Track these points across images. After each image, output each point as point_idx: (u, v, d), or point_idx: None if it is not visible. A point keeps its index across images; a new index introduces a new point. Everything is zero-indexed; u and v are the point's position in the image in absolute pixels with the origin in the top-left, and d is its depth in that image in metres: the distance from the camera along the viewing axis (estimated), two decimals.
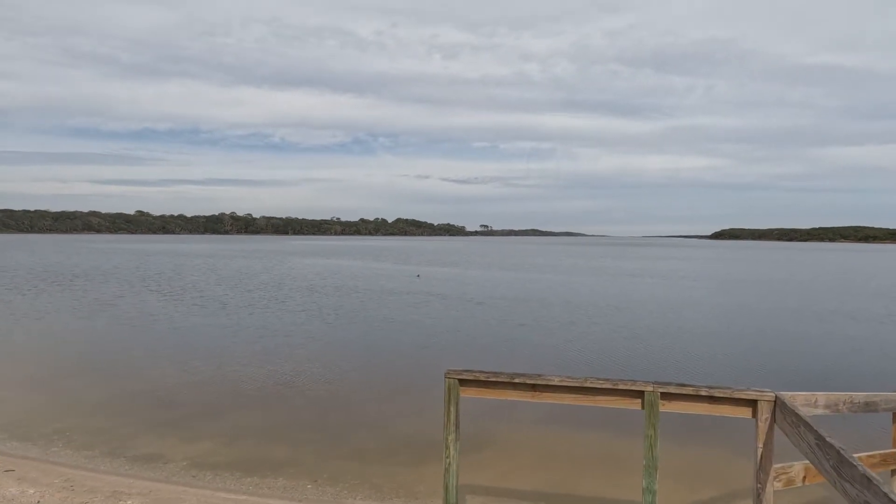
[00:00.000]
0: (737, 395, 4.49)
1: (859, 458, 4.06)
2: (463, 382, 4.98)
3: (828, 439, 3.29)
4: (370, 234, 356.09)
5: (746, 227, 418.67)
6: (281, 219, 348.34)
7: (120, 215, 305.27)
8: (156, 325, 18.88)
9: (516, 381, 4.88)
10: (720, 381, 11.92)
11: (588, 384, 4.76)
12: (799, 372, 13.34)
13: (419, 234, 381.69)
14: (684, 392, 4.59)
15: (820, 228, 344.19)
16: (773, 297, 29.85)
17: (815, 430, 3.47)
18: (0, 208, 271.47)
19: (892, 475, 5.39)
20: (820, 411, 4.50)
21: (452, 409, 4.97)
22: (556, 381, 4.80)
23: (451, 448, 4.97)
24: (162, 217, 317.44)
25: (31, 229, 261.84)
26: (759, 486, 4.35)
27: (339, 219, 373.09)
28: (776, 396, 4.36)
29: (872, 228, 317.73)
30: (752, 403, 4.45)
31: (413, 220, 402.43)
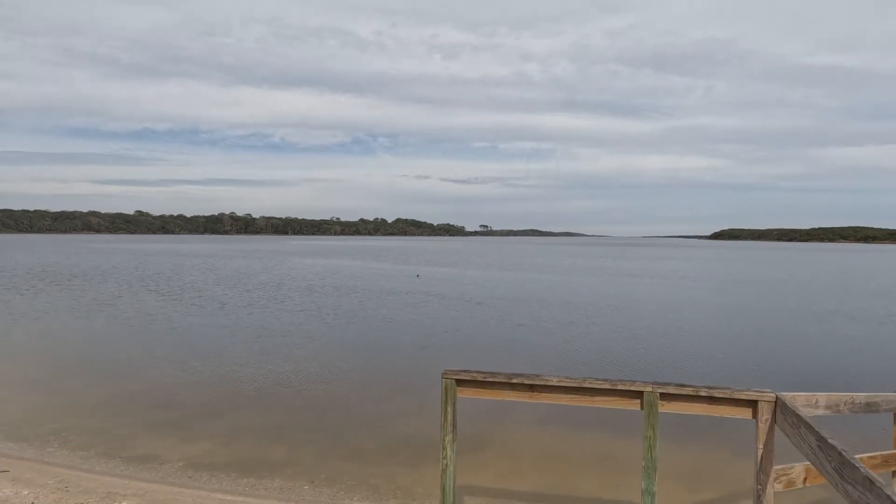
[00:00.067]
0: (737, 395, 4.44)
1: (860, 459, 4.02)
2: (460, 383, 4.94)
3: (829, 441, 3.25)
4: (370, 234, 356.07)
5: (746, 227, 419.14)
6: (280, 219, 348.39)
7: (119, 215, 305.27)
8: (154, 324, 18.83)
9: (514, 381, 4.83)
10: (720, 381, 11.87)
11: (586, 384, 4.71)
12: (799, 372, 13.30)
13: (419, 235, 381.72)
14: (684, 392, 4.54)
15: (819, 229, 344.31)
16: (773, 297, 29.81)
17: (817, 432, 3.43)
18: None
19: (894, 476, 5.36)
20: (821, 412, 4.46)
21: (449, 409, 4.93)
22: (554, 382, 4.75)
23: (449, 449, 4.92)
24: (161, 217, 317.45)
25: (31, 229, 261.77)
26: (759, 487, 4.31)
27: (338, 219, 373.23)
28: (776, 397, 4.31)
29: (872, 229, 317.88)
30: (753, 404, 4.40)
31: (413, 221, 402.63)
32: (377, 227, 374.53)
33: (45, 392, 11.09)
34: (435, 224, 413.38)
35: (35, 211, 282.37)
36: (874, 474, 2.80)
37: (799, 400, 4.32)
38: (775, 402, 4.31)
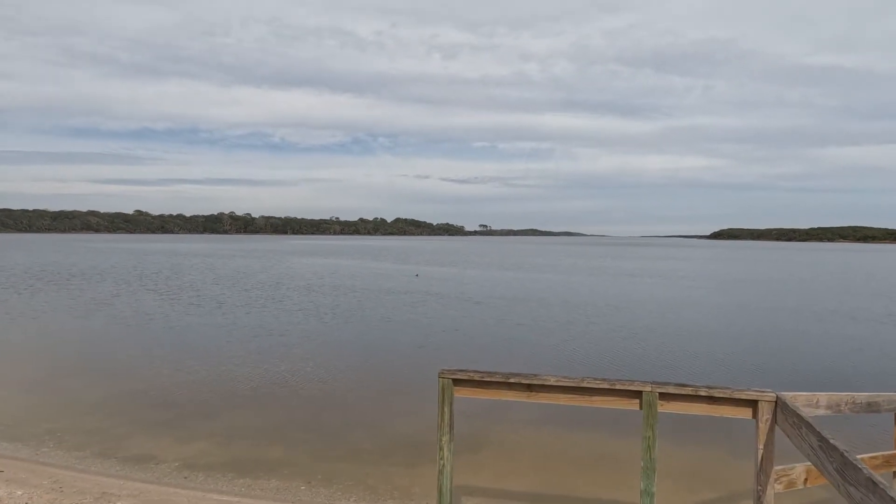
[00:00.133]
0: (737, 395, 4.39)
1: (861, 459, 3.97)
2: (457, 382, 4.88)
3: (831, 441, 3.20)
4: (369, 233, 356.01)
5: (745, 227, 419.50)
6: (280, 218, 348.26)
7: (119, 215, 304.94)
8: (151, 324, 18.77)
9: (511, 380, 4.78)
10: (719, 380, 11.83)
11: (585, 384, 4.65)
12: (798, 372, 13.25)
13: (418, 234, 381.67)
14: (683, 392, 4.49)
15: (819, 228, 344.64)
16: (773, 296, 29.77)
17: (818, 432, 3.38)
18: None
19: (895, 477, 5.31)
20: (821, 412, 4.41)
21: (446, 409, 4.87)
22: (552, 381, 4.70)
23: (446, 449, 4.86)
24: (161, 217, 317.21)
25: (30, 229, 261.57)
26: (759, 488, 4.26)
27: (338, 218, 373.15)
28: (777, 397, 4.26)
29: (871, 228, 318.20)
30: (753, 404, 4.35)
31: (412, 220, 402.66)
32: (377, 227, 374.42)
33: (41, 392, 11.03)
34: (434, 224, 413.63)
35: (34, 210, 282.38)
36: (877, 476, 2.75)
37: (800, 400, 4.27)
38: (776, 401, 4.26)
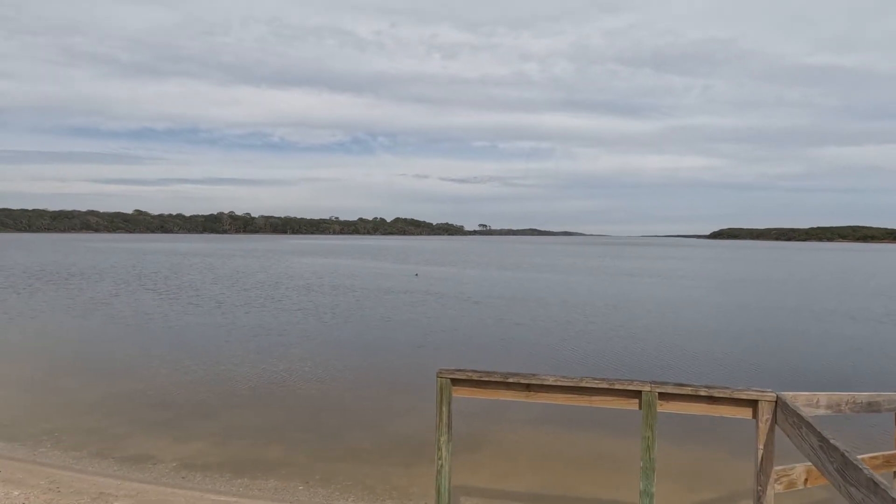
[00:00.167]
0: (737, 395, 4.36)
1: (861, 459, 3.94)
2: (455, 382, 4.85)
3: (832, 441, 3.17)
4: (369, 233, 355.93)
5: (745, 226, 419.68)
6: (279, 218, 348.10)
7: (118, 214, 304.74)
8: (150, 324, 18.74)
9: (510, 380, 4.75)
10: (719, 380, 11.82)
11: (584, 384, 4.63)
12: (798, 371, 13.23)
13: (418, 234, 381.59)
14: (683, 392, 4.46)
15: (818, 228, 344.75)
16: (772, 296, 29.76)
17: (819, 432, 3.35)
18: None
19: (895, 477, 5.29)
20: (822, 412, 4.38)
21: (445, 409, 4.84)
22: (550, 381, 4.67)
23: (444, 450, 4.84)
24: (160, 216, 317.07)
25: (30, 228, 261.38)
26: (759, 488, 4.23)
27: (337, 218, 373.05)
28: (777, 396, 4.23)
29: (870, 228, 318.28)
30: (753, 404, 4.32)
31: (412, 220, 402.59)
32: (376, 227, 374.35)
33: (39, 391, 11.00)
34: (434, 223, 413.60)
35: (34, 210, 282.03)
36: (879, 476, 2.73)
37: (800, 399, 4.24)
38: (776, 401, 4.23)
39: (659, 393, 4.45)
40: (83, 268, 45.03)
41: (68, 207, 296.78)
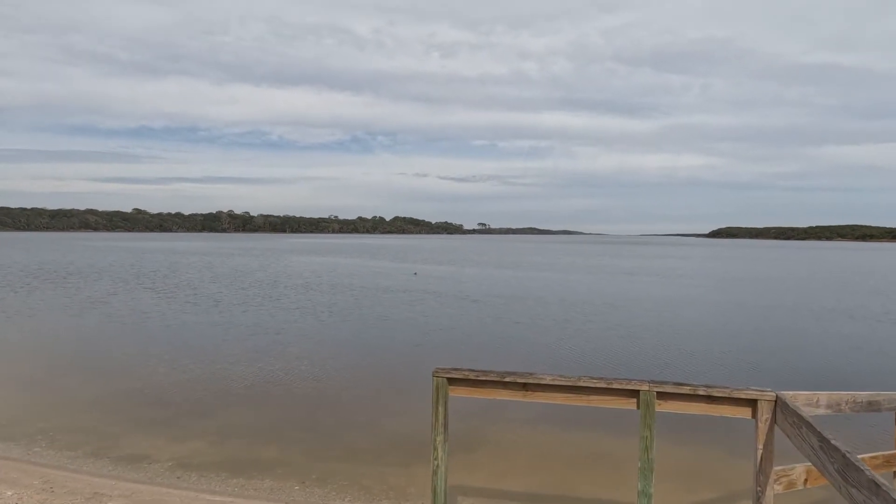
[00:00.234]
0: (736, 394, 4.32)
1: (861, 459, 3.90)
2: (452, 381, 4.81)
3: (832, 441, 3.13)
4: (368, 232, 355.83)
5: (744, 225, 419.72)
6: (278, 217, 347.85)
7: (117, 213, 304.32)
8: (147, 322, 18.68)
9: (507, 379, 4.71)
10: (718, 379, 11.77)
11: (581, 383, 4.59)
12: (797, 370, 13.20)
13: (417, 233, 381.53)
14: (681, 391, 4.42)
15: (817, 227, 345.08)
16: (771, 295, 29.74)
17: (819, 432, 3.31)
18: None
19: (895, 477, 5.25)
20: (822, 411, 4.34)
21: (441, 409, 4.80)
22: (547, 380, 4.63)
23: (440, 449, 4.79)
24: (159, 215, 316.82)
25: (28, 227, 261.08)
26: (758, 488, 4.19)
27: (336, 217, 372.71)
28: (777, 396, 4.19)
29: (869, 227, 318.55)
30: (752, 403, 4.28)
31: (411, 219, 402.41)
32: (375, 226, 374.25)
33: (35, 390, 10.94)
34: (433, 222, 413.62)
35: (32, 209, 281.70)
36: (880, 477, 2.68)
37: (800, 399, 4.20)
38: (775, 401, 4.19)
39: (657, 392, 4.41)
40: (81, 266, 44.95)
41: (67, 206, 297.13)
